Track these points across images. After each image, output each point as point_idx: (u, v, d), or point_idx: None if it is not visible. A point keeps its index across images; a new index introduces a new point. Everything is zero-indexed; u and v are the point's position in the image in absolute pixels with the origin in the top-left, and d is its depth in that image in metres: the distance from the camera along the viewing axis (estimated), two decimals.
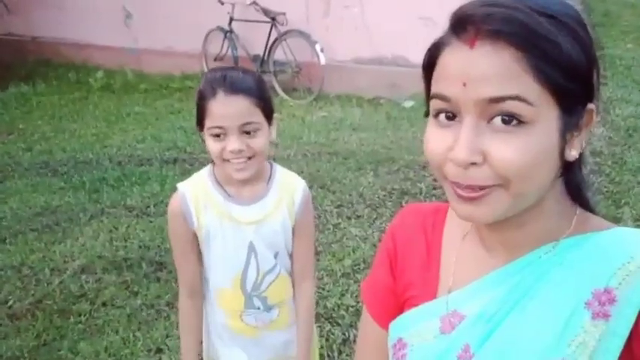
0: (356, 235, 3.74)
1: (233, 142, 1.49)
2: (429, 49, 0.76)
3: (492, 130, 0.69)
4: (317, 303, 3.01)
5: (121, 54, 8.16)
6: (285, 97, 6.99)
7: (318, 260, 3.38)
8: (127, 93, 7.54)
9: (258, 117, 1.51)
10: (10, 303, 3.19)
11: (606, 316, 0.72)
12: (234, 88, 1.47)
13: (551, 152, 0.71)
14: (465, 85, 0.69)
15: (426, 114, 0.78)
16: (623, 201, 3.93)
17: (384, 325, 0.94)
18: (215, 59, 7.41)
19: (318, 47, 6.64)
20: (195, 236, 1.65)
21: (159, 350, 2.83)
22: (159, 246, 3.68)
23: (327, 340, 2.82)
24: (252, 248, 1.64)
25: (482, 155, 0.70)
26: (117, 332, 2.95)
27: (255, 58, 7.21)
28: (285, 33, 6.86)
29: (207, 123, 1.51)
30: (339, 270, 3.37)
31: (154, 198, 4.40)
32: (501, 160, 0.69)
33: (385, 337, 0.93)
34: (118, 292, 3.27)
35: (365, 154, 5.07)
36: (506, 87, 0.67)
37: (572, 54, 0.68)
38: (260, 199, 1.64)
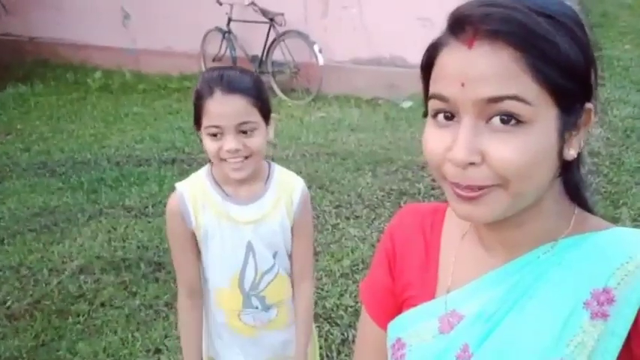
0: (354, 236, 3.74)
1: (230, 142, 1.48)
2: (427, 50, 0.76)
3: (491, 130, 0.69)
4: (316, 303, 3.01)
5: (119, 54, 8.15)
6: (284, 97, 6.98)
7: (316, 261, 3.38)
8: (125, 93, 7.53)
9: (255, 116, 1.51)
10: (9, 303, 3.18)
11: (605, 316, 0.72)
12: (231, 88, 1.47)
13: (550, 152, 0.71)
14: (463, 85, 0.69)
15: (425, 114, 0.78)
16: (621, 201, 3.94)
17: (383, 326, 0.94)
18: (213, 60, 7.40)
19: (316, 48, 6.64)
20: (193, 236, 1.65)
21: (157, 351, 2.83)
22: (157, 246, 3.68)
23: (325, 340, 2.82)
24: (250, 248, 1.64)
25: (481, 155, 0.70)
26: (115, 332, 2.95)
27: (253, 58, 7.21)
28: (284, 33, 6.86)
29: (204, 122, 1.51)
30: (338, 270, 3.37)
31: (153, 198, 4.40)
32: (500, 160, 0.69)
33: (384, 338, 0.93)
34: (117, 292, 3.27)
35: (363, 154, 5.08)
36: (504, 87, 0.67)
37: (570, 53, 0.69)
38: (258, 198, 1.63)
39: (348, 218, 3.99)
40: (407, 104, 6.39)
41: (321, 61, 6.65)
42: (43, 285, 3.35)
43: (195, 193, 1.62)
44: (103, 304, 3.18)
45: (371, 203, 4.18)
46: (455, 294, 0.85)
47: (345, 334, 2.87)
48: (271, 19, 6.92)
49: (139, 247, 3.71)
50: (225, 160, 1.52)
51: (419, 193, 4.26)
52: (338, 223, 3.91)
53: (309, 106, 6.71)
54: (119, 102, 7.18)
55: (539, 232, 0.79)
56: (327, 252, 3.56)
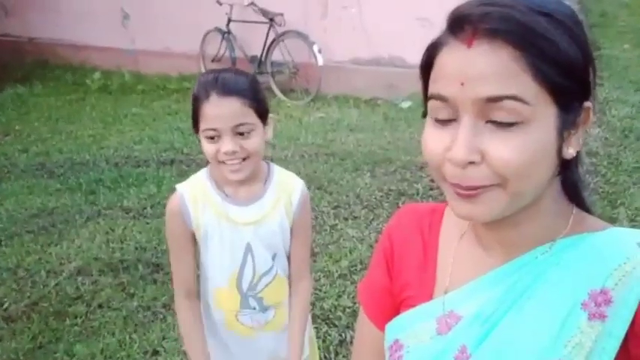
0: (353, 236, 3.74)
1: (227, 144, 1.49)
2: (427, 49, 0.76)
3: (490, 130, 0.70)
4: (314, 304, 3.01)
5: (119, 55, 8.16)
6: (283, 97, 6.99)
7: (314, 261, 3.38)
8: (124, 94, 7.54)
9: (251, 118, 1.51)
10: (6, 305, 3.18)
11: (602, 316, 0.72)
12: (226, 90, 1.48)
13: (549, 150, 0.71)
14: (462, 84, 0.69)
15: (424, 114, 0.78)
16: (618, 201, 3.94)
17: (381, 327, 0.94)
18: (213, 60, 7.40)
19: (315, 48, 6.64)
20: (192, 236, 1.65)
21: (155, 352, 2.82)
22: (155, 247, 3.67)
23: (323, 341, 2.82)
24: (249, 249, 1.64)
25: (481, 154, 0.70)
26: (113, 334, 2.94)
27: (252, 59, 7.21)
28: (283, 34, 6.86)
29: (202, 125, 1.52)
30: (336, 271, 3.37)
31: (151, 199, 4.39)
32: (500, 159, 0.69)
33: (382, 339, 0.93)
34: (114, 294, 3.26)
35: (362, 154, 5.08)
36: (503, 86, 0.67)
37: (569, 52, 0.69)
38: (257, 199, 1.64)
39: (346, 219, 3.99)
40: (406, 104, 6.39)
41: (320, 61, 6.65)
42: (41, 286, 3.34)
43: (195, 194, 1.63)
44: (100, 306, 3.17)
45: (369, 204, 4.18)
46: (453, 295, 0.85)
47: (343, 335, 2.86)
48: (271, 20, 6.92)
49: (137, 249, 3.70)
50: (223, 162, 1.52)
51: (417, 194, 4.26)
52: (336, 224, 3.91)
53: (308, 107, 6.72)
54: (118, 103, 7.18)
55: (538, 232, 0.79)
56: (326, 253, 3.56)
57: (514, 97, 0.67)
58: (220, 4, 7.08)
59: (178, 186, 1.67)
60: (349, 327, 2.89)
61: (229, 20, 7.19)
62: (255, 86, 1.57)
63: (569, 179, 0.81)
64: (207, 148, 1.52)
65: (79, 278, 3.42)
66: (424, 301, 0.88)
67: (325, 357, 2.74)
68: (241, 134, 1.50)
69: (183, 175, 4.63)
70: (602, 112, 5.42)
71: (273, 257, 1.68)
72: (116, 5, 8.10)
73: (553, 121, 0.70)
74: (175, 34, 7.69)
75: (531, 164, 0.69)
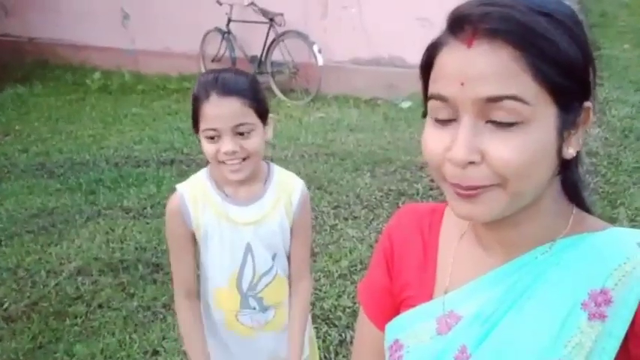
0: (353, 236, 3.74)
1: (227, 144, 1.49)
2: (427, 49, 0.76)
3: (490, 130, 0.70)
4: (314, 304, 3.01)
5: (119, 55, 8.16)
6: (283, 98, 6.99)
7: (314, 262, 3.38)
8: (124, 94, 7.54)
9: (251, 118, 1.52)
10: (6, 305, 3.18)
11: (602, 316, 0.72)
12: (225, 90, 1.48)
13: (549, 150, 0.71)
14: (462, 84, 0.69)
15: (424, 115, 0.78)
16: (618, 201, 3.94)
17: (381, 327, 0.94)
18: (213, 60, 7.40)
19: (315, 48, 6.63)
20: (192, 236, 1.65)
21: (155, 352, 2.82)
22: (155, 248, 3.67)
23: (323, 341, 2.82)
24: (249, 249, 1.64)
25: (481, 154, 0.70)
26: (113, 334, 2.94)
27: (252, 59, 7.21)
28: (283, 34, 6.86)
29: (201, 125, 1.52)
30: (336, 271, 3.37)
31: (151, 199, 4.39)
32: (500, 159, 0.69)
33: (382, 339, 0.93)
34: (114, 294, 3.26)
35: (362, 154, 5.08)
36: (503, 86, 0.67)
37: (569, 52, 0.69)
38: (257, 199, 1.64)
39: (346, 219, 3.99)
40: (406, 104, 6.39)
41: (320, 61, 6.64)
42: (41, 287, 3.34)
43: (195, 194, 1.63)
44: (100, 306, 3.17)
45: (369, 204, 4.18)
46: (453, 295, 0.85)
47: (343, 335, 2.86)
48: (271, 20, 6.92)
49: (136, 249, 3.71)
50: (223, 162, 1.52)
51: (417, 194, 4.26)
52: (336, 224, 3.91)
53: (308, 107, 6.72)
54: (118, 103, 7.18)
55: (538, 232, 0.79)
56: (326, 253, 3.56)
57: (514, 97, 0.67)
58: (220, 4, 7.08)
59: (178, 186, 1.67)
60: (349, 327, 2.89)
61: (229, 20, 7.19)
62: (255, 86, 1.57)
63: (569, 179, 0.81)
64: (207, 148, 1.52)
65: (79, 278, 3.42)
66: (424, 301, 0.88)
67: (325, 357, 2.74)
68: (241, 134, 1.51)
69: (183, 175, 4.63)
70: (602, 112, 5.42)
71: (273, 257, 1.68)
72: (116, 5, 8.10)
73: (553, 121, 0.70)
74: (175, 34, 7.69)
75: (531, 164, 0.69)
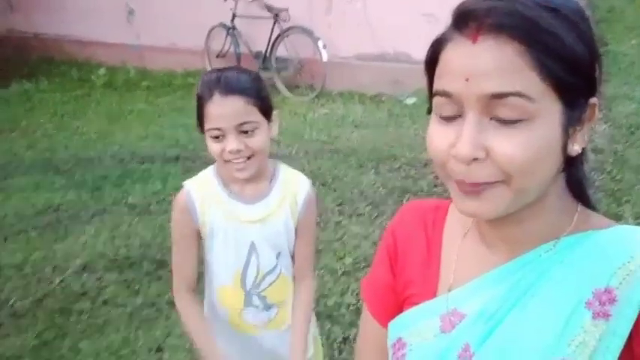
0: (357, 233, 3.74)
1: (231, 143, 1.50)
2: (432, 45, 0.76)
3: (495, 126, 0.69)
4: (317, 301, 3.01)
5: (124, 51, 8.17)
6: (288, 94, 6.98)
7: (318, 258, 3.38)
8: (130, 90, 7.55)
9: (255, 116, 1.52)
10: (12, 302, 3.20)
11: (607, 315, 0.72)
12: (228, 89, 1.48)
13: (554, 147, 0.71)
14: (467, 80, 0.69)
15: (429, 111, 0.78)
16: (624, 199, 3.92)
17: (384, 324, 0.94)
18: (217, 56, 7.41)
19: (320, 44, 6.62)
20: (197, 233, 1.66)
21: (160, 349, 2.84)
22: (160, 244, 3.68)
23: (327, 338, 2.82)
24: (253, 248, 1.64)
25: (485, 151, 0.70)
26: (118, 331, 2.96)
27: (257, 54, 7.21)
28: (288, 29, 6.85)
29: (206, 125, 1.53)
30: (340, 268, 3.37)
31: (156, 196, 4.41)
32: (505, 156, 0.69)
33: (385, 336, 0.93)
34: (119, 290, 3.28)
35: (366, 151, 5.07)
36: (508, 83, 0.67)
37: (574, 47, 0.69)
38: (263, 197, 1.64)
39: (350, 216, 3.99)
40: (411, 100, 6.37)
41: (325, 57, 6.63)
42: (47, 283, 3.36)
43: (202, 191, 1.64)
44: (105, 303, 3.19)
45: (374, 200, 4.17)
46: (456, 292, 0.85)
47: (347, 332, 2.87)
48: (275, 15, 6.91)
49: (142, 245, 3.72)
50: (229, 160, 1.53)
51: (422, 191, 4.25)
52: (340, 221, 3.91)
53: (313, 103, 6.71)
54: (123, 99, 7.20)
55: (542, 230, 0.79)
56: (330, 249, 3.56)
57: (519, 94, 0.67)
58: (225, 0, 7.08)
59: (186, 182, 1.68)
60: (353, 324, 2.89)
61: (234, 16, 7.19)
62: (259, 84, 1.57)
63: (574, 176, 0.81)
64: (213, 147, 1.53)
65: (85, 275, 3.44)
66: (427, 298, 0.88)
67: (329, 354, 2.74)
68: (245, 132, 1.51)
69: (188, 172, 4.65)
70: (609, 109, 5.38)
71: (278, 256, 1.68)
72: (121, 1, 8.11)
73: (558, 118, 0.70)
74: (180, 30, 7.69)
75: (536, 161, 0.69)
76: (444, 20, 0.74)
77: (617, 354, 0.71)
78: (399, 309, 0.92)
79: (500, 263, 0.82)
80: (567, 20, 0.69)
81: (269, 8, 6.91)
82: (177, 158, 5.13)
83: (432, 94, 0.76)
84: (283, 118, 5.58)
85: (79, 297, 3.24)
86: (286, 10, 6.89)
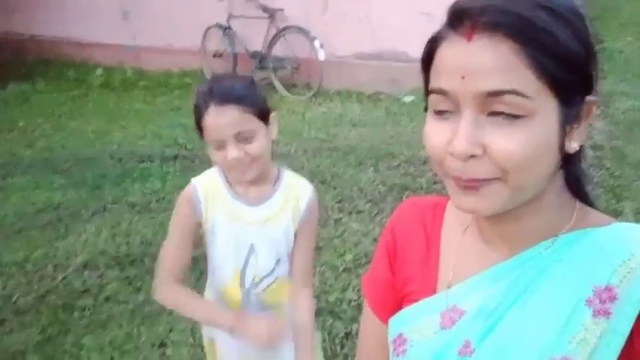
0: (357, 230, 3.76)
1: (231, 151, 1.51)
2: (427, 43, 0.76)
3: (491, 123, 0.69)
4: (319, 297, 3.03)
5: (121, 51, 8.16)
6: (285, 93, 6.99)
7: (319, 255, 3.39)
8: (127, 90, 7.55)
9: (252, 123, 1.53)
10: (15, 298, 3.20)
11: (607, 313, 0.72)
12: (223, 100, 1.49)
13: (552, 144, 0.71)
14: (463, 78, 0.69)
15: (426, 109, 0.78)
16: (623, 194, 3.94)
17: (385, 319, 0.94)
18: (214, 56, 7.41)
19: (317, 43, 6.63)
20: (197, 228, 1.67)
21: (163, 344, 2.85)
22: (161, 242, 3.66)
23: (329, 334, 2.84)
24: (252, 250, 1.65)
25: (482, 148, 0.69)
26: (121, 327, 2.97)
27: (254, 54, 7.21)
28: (284, 29, 6.86)
29: (205, 136, 1.55)
30: (341, 265, 3.39)
31: (156, 194, 4.41)
32: (503, 152, 0.69)
33: (386, 331, 0.93)
34: (121, 287, 3.29)
35: (365, 149, 5.08)
36: (504, 81, 0.67)
37: (570, 45, 0.68)
38: (266, 199, 1.65)
39: (350, 213, 4.00)
40: (408, 99, 6.39)
41: (321, 56, 6.64)
42: (49, 280, 3.37)
43: (207, 189, 1.66)
44: (107, 299, 3.20)
45: (373, 198, 4.19)
46: (456, 289, 0.85)
47: (349, 327, 2.88)
48: (271, 15, 6.92)
49: (142, 243, 3.73)
50: (231, 167, 1.55)
51: (421, 188, 4.27)
52: (340, 218, 3.93)
53: (311, 102, 6.72)
54: (121, 99, 7.20)
55: (540, 227, 0.79)
56: (330, 246, 3.58)
57: (514, 92, 0.67)
58: (221, 0, 7.09)
59: (194, 179, 1.69)
60: (354, 320, 2.90)
61: (230, 16, 7.20)
62: (253, 90, 1.58)
63: (572, 174, 0.81)
64: (215, 156, 1.56)
65: (86, 272, 3.44)
66: (427, 295, 0.88)
67: (331, 349, 2.75)
68: (245, 139, 1.52)
69: (187, 170, 4.67)
70: (606, 105, 5.41)
71: (277, 261, 1.69)
72: (117, 2, 8.10)
73: (555, 116, 0.70)
74: (177, 30, 7.69)
75: (533, 158, 0.69)
76: (441, 19, 0.75)
77: (617, 351, 0.71)
78: (399, 305, 0.92)
79: (500, 260, 0.82)
80: (562, 18, 0.69)
81: (264, 8, 6.92)
82: (175, 157, 5.14)
83: (428, 92, 0.76)
84: (281, 117, 5.56)
85: (81, 294, 3.24)
86: (282, 10, 6.90)
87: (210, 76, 7.27)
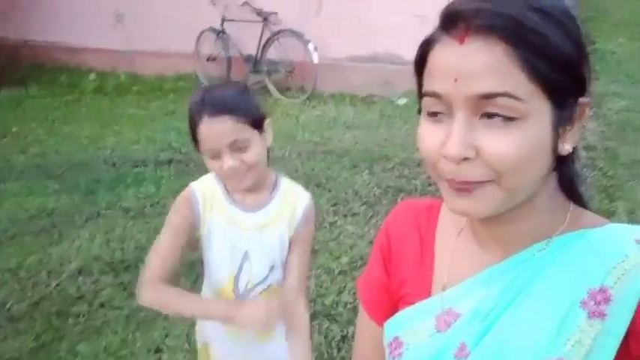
0: (352, 233, 3.76)
1: (227, 161, 1.51)
2: (420, 46, 0.76)
3: (484, 126, 0.69)
4: (315, 301, 3.03)
5: (114, 56, 8.15)
6: (279, 96, 7.00)
7: (315, 258, 3.39)
8: (120, 95, 7.54)
9: (245, 132, 1.52)
10: (8, 305, 3.18)
11: (602, 315, 0.72)
12: (215, 111, 1.49)
13: (545, 147, 0.71)
14: (456, 80, 0.69)
15: (419, 111, 0.78)
16: (616, 195, 3.96)
17: (380, 322, 0.94)
18: (208, 60, 7.41)
19: (310, 46, 6.65)
20: (191, 231, 1.66)
21: (158, 350, 2.83)
22: None
23: (325, 337, 2.83)
24: (246, 256, 1.65)
25: (475, 150, 0.70)
26: (116, 333, 2.95)
27: (248, 58, 7.22)
28: (278, 32, 6.87)
29: (200, 146, 1.54)
30: (337, 268, 3.39)
31: (150, 199, 4.40)
32: (496, 154, 0.69)
33: (381, 334, 0.93)
34: (116, 293, 3.27)
35: (359, 152, 5.09)
36: (497, 83, 0.67)
37: (562, 47, 0.69)
38: (263, 206, 1.65)
39: (345, 216, 4.00)
40: (402, 101, 6.41)
41: (315, 59, 6.66)
42: (43, 287, 3.34)
43: (205, 192, 1.66)
44: (102, 305, 3.18)
45: (368, 200, 4.19)
46: (451, 292, 0.85)
47: (345, 330, 2.88)
48: (265, 19, 6.92)
49: (137, 248, 3.71)
50: (228, 176, 1.56)
51: (415, 190, 4.28)
52: (335, 221, 3.93)
53: (305, 105, 6.73)
54: (114, 103, 7.19)
55: (534, 229, 0.79)
56: (326, 249, 3.58)
57: (507, 95, 0.67)
58: (214, 4, 7.08)
59: (192, 183, 1.69)
60: (350, 322, 2.90)
61: (223, 19, 7.20)
62: (246, 98, 1.57)
63: (565, 175, 0.81)
64: (211, 165, 1.55)
65: (80, 278, 3.42)
66: (422, 297, 0.88)
67: (327, 352, 2.75)
68: (240, 149, 1.52)
69: (181, 175, 4.66)
70: (599, 106, 5.44)
71: (271, 268, 1.68)
72: (111, 7, 8.10)
73: (548, 117, 0.70)
74: (170, 34, 7.68)
75: (527, 160, 0.69)
76: (435, 21, 0.75)
77: (612, 353, 0.71)
78: (394, 308, 0.92)
79: (494, 262, 0.82)
80: (554, 20, 0.69)
81: (258, 12, 6.92)
82: (170, 161, 5.12)
83: (421, 94, 0.76)
84: (275, 121, 5.58)
85: (75, 300, 3.23)
86: (275, 13, 6.91)
87: (204, 81, 7.32)
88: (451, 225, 0.91)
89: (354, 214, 4.01)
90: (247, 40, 7.17)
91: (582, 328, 0.72)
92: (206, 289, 1.78)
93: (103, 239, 3.85)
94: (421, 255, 0.91)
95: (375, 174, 4.61)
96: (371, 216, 3.97)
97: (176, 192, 1.71)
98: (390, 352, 0.89)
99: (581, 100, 0.74)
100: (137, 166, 5.07)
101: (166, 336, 2.91)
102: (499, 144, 0.68)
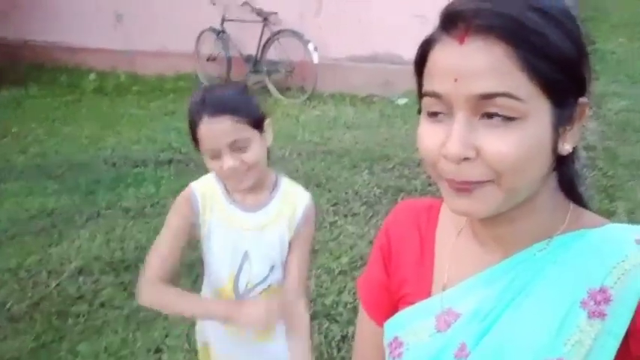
0: (353, 233, 3.76)
1: (227, 161, 1.51)
2: (420, 46, 0.76)
3: (484, 126, 0.69)
4: (315, 301, 3.03)
5: (114, 56, 8.15)
6: (279, 96, 7.00)
7: (315, 258, 3.39)
8: (120, 95, 7.54)
9: (245, 132, 1.52)
10: (9, 305, 3.18)
11: (602, 315, 0.72)
12: (215, 111, 1.49)
13: (545, 146, 0.71)
14: (456, 80, 0.69)
15: (419, 111, 0.78)
16: (616, 195, 3.96)
17: (380, 322, 0.94)
18: (208, 60, 7.41)
19: (310, 46, 6.65)
20: (190, 230, 1.66)
21: (158, 350, 2.83)
22: None
23: (325, 337, 2.83)
24: (246, 256, 1.65)
25: (475, 150, 0.70)
26: (116, 332, 2.95)
27: (247, 58, 7.22)
28: (278, 32, 6.87)
29: (200, 146, 1.54)
30: (337, 268, 3.38)
31: (150, 199, 4.40)
32: (496, 154, 0.69)
33: (381, 334, 0.93)
34: (116, 293, 3.27)
35: (359, 152, 5.09)
36: (497, 83, 0.67)
37: (561, 47, 0.69)
38: (263, 206, 1.65)
39: (345, 216, 4.00)
40: (402, 101, 6.41)
41: (315, 59, 6.65)
42: (43, 287, 3.35)
43: (205, 192, 1.66)
44: (102, 305, 3.18)
45: (368, 200, 4.19)
46: (451, 292, 0.85)
47: (345, 330, 2.88)
48: (265, 19, 6.92)
49: (137, 248, 3.71)
50: (228, 176, 1.56)
51: (416, 190, 4.27)
52: (336, 221, 3.93)
53: (305, 105, 6.73)
54: (114, 104, 7.19)
55: (534, 229, 0.79)
56: (326, 249, 3.58)
57: (507, 95, 0.67)
58: (214, 4, 7.08)
59: (192, 183, 1.69)
60: (351, 323, 2.90)
61: (223, 19, 7.20)
62: (245, 99, 1.57)
63: (565, 175, 0.81)
64: (212, 165, 1.55)
65: (81, 278, 3.42)
66: (422, 298, 0.88)
67: (327, 352, 2.75)
68: (240, 148, 1.52)
69: (181, 174, 4.66)
70: (598, 106, 5.44)
71: (271, 268, 1.68)
72: (111, 6, 8.10)
73: (548, 117, 0.70)
74: (170, 34, 7.68)
75: (527, 160, 0.69)
76: (435, 21, 0.75)
77: (613, 353, 0.71)
78: (394, 308, 0.92)
79: (494, 262, 0.82)
80: (554, 20, 0.69)
81: (258, 12, 6.92)
82: (170, 161, 5.12)
83: (421, 94, 0.76)
84: (276, 121, 5.58)
85: (75, 300, 3.23)
86: (275, 13, 6.91)
87: (204, 81, 7.33)
88: (451, 225, 0.90)
89: (354, 214, 4.01)
90: (247, 40, 7.17)
91: (582, 328, 0.73)
92: (206, 289, 1.78)
93: (103, 239, 3.85)
94: (421, 255, 0.91)
95: (375, 174, 4.61)
96: (371, 216, 3.97)
97: (176, 192, 1.71)
98: (390, 352, 0.89)
99: (581, 100, 0.74)
100: (137, 166, 5.07)
101: (166, 336, 2.91)
102: (499, 144, 0.68)
